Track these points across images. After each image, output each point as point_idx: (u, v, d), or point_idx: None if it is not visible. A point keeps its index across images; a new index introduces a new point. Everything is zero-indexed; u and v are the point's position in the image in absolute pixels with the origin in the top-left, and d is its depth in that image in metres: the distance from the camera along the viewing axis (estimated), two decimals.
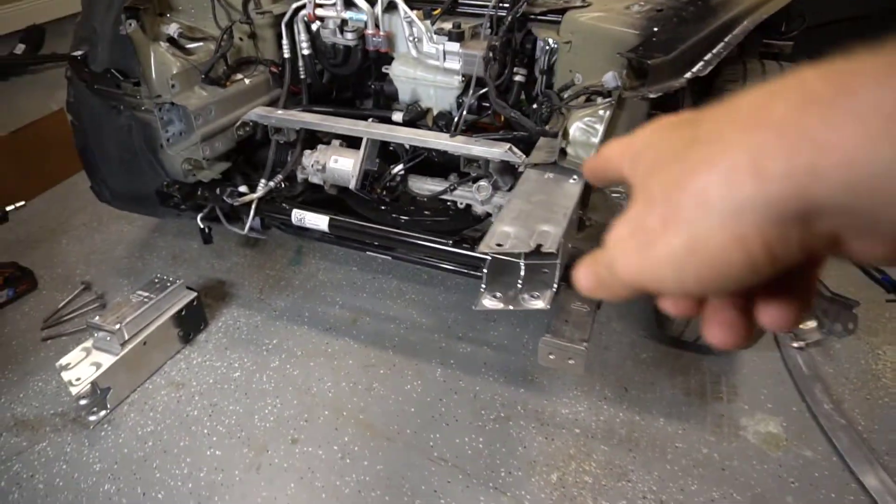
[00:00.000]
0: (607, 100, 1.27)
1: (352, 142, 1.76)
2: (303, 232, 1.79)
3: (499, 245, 1.09)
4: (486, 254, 1.08)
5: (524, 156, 1.50)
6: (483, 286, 1.15)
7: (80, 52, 1.76)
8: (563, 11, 1.48)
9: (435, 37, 1.59)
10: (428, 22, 1.61)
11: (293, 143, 1.81)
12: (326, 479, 1.44)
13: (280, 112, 1.71)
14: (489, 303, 1.14)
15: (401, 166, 1.73)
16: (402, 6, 1.61)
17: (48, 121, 2.53)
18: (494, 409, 1.62)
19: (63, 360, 1.55)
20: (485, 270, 1.14)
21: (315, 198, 1.87)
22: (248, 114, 1.72)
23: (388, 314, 1.91)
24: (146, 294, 1.68)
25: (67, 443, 1.52)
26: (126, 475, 1.44)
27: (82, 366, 1.55)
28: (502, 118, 1.68)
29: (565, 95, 1.42)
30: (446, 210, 1.81)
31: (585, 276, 0.37)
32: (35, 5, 3.96)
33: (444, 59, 1.60)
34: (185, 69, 1.63)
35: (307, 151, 1.79)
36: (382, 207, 1.81)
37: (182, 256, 2.17)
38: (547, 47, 1.57)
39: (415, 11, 1.61)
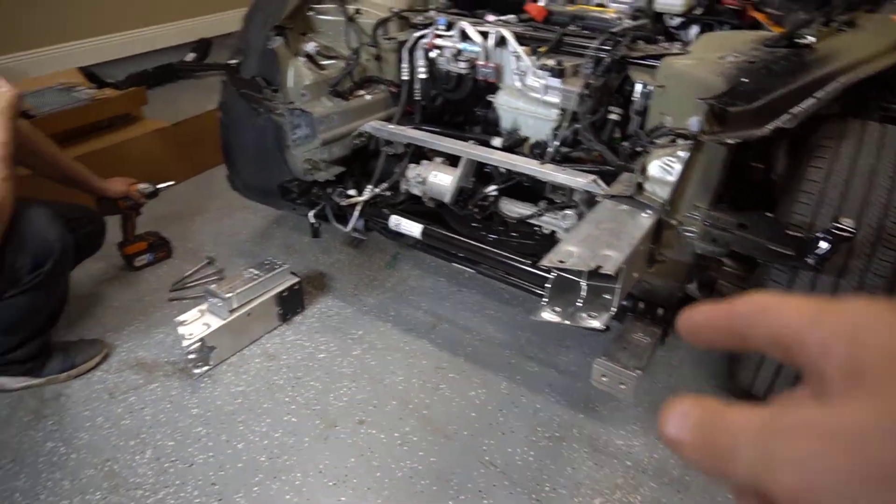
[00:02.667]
0: (688, 142, 1.33)
1: (454, 161, 1.92)
2: (399, 237, 1.96)
3: (560, 261, 1.18)
4: (547, 267, 1.17)
5: (607, 188, 1.58)
6: (544, 299, 1.24)
7: (235, 61, 2.06)
8: (660, 57, 1.56)
9: (539, 72, 1.72)
10: (534, 58, 1.74)
11: (401, 156, 2.00)
12: (383, 460, 1.57)
13: (392, 127, 1.91)
14: (547, 315, 1.23)
15: (494, 187, 1.86)
16: (511, 42, 1.75)
17: (203, 118, 2.91)
18: (550, 428, 1.68)
19: (181, 317, 1.81)
20: (548, 284, 1.24)
21: (414, 208, 2.04)
22: (365, 125, 1.93)
23: (466, 325, 2.02)
24: (256, 272, 1.91)
25: (174, 387, 1.76)
26: (215, 423, 1.65)
27: (196, 324, 1.79)
28: (595, 153, 1.77)
29: (653, 135, 1.49)
30: (532, 234, 1.91)
31: (682, 426, 0.26)
32: (205, 21, 4.54)
33: (546, 92, 1.72)
34: (317, 81, 1.87)
35: (412, 165, 1.97)
36: (473, 224, 1.95)
37: (293, 247, 2.42)
38: (643, 89, 1.65)
39: (522, 47, 1.75)
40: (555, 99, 1.71)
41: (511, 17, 1.91)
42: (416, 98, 2.00)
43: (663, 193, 1.35)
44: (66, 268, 1.64)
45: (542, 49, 1.73)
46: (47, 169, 1.93)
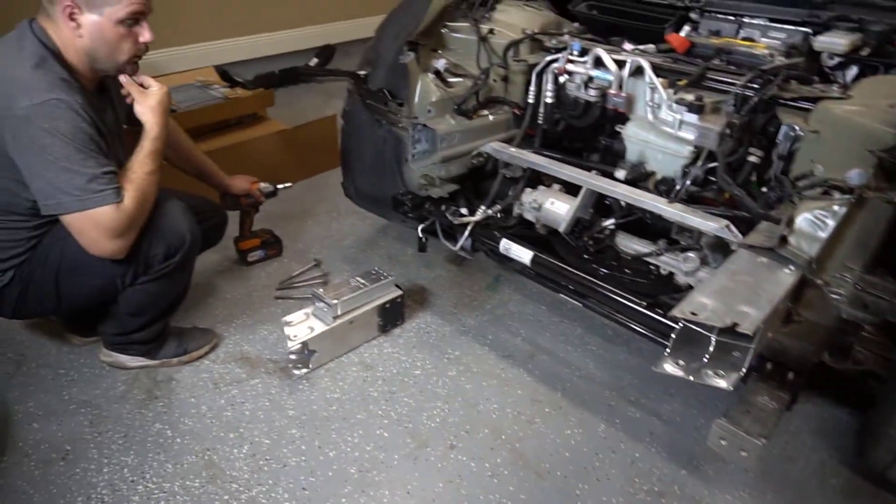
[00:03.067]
0: (846, 196, 1.22)
1: (571, 190, 1.86)
2: (506, 261, 1.92)
3: (693, 314, 1.10)
4: (679, 319, 1.10)
5: (741, 236, 1.47)
6: (668, 350, 1.16)
7: (363, 72, 2.10)
8: (816, 100, 1.44)
9: (675, 105, 1.64)
10: (671, 91, 1.66)
11: (517, 179, 1.96)
12: (472, 490, 1.53)
13: (513, 150, 1.88)
14: (670, 368, 1.15)
15: (612, 221, 1.79)
16: (648, 72, 1.68)
17: (322, 123, 3.01)
18: (649, 482, 1.58)
19: (287, 318, 1.85)
20: (673, 335, 1.16)
21: (524, 233, 2.00)
22: (486, 146, 1.91)
23: (566, 359, 1.95)
24: (362, 281, 1.93)
25: (274, 385, 1.81)
26: (310, 427, 1.67)
27: (300, 326, 1.83)
28: (726, 195, 1.66)
29: (801, 184, 1.37)
30: (647, 272, 1.82)
31: None
32: (330, 28, 4.71)
33: (680, 128, 1.63)
34: (443, 98, 1.87)
35: (528, 189, 1.93)
36: (585, 256, 1.88)
37: (397, 258, 2.43)
38: (791, 133, 1.53)
39: (660, 79, 1.67)
40: (689, 135, 1.62)
41: (650, 46, 1.84)
42: (539, 122, 1.96)
43: (810, 249, 1.24)
44: (193, 258, 1.71)
45: (682, 82, 1.65)
46: (182, 162, 2.04)
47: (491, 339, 2.02)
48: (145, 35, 1.47)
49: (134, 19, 1.43)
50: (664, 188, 1.72)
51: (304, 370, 1.84)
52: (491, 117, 1.98)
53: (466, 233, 1.92)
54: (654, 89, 1.69)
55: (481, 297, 2.22)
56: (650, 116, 1.71)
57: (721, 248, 1.64)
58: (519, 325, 2.09)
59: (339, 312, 1.84)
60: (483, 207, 1.93)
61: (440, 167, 1.93)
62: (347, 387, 1.81)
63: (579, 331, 2.07)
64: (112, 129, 1.59)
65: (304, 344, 1.80)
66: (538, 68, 1.89)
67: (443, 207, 1.97)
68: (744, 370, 1.12)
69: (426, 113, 1.87)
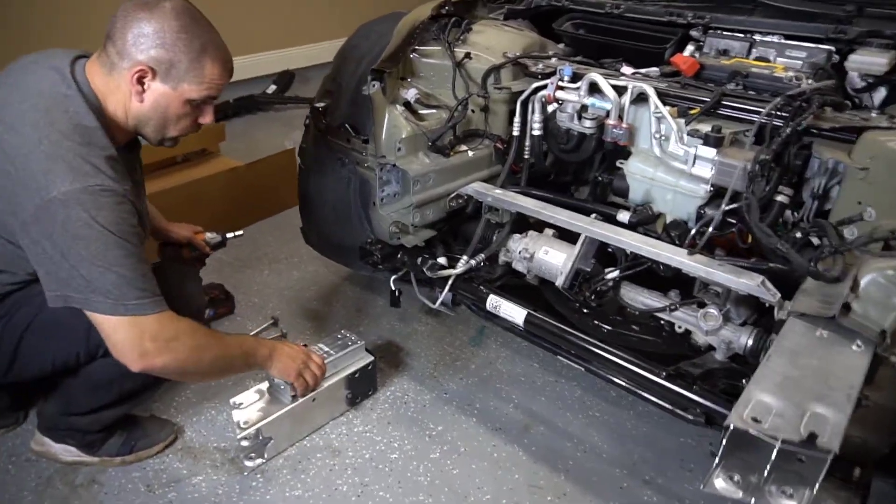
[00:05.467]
0: None
1: (566, 234, 1.61)
2: (494, 318, 1.66)
3: (756, 420, 0.84)
4: (740, 430, 0.84)
5: (778, 294, 1.23)
6: (717, 461, 0.90)
7: (322, 104, 1.83)
8: (860, 130, 1.22)
9: (686, 138, 1.40)
10: (681, 121, 1.42)
11: (503, 223, 1.70)
12: None
13: (498, 191, 1.62)
14: (723, 486, 0.88)
15: (616, 272, 1.53)
16: (653, 99, 1.44)
17: (279, 157, 2.72)
18: None
19: (237, 398, 1.54)
20: (723, 441, 0.90)
21: (513, 283, 1.74)
22: (466, 188, 1.65)
23: (566, 429, 1.68)
24: (327, 349, 1.64)
25: (220, 484, 1.49)
26: None
27: (252, 409, 1.53)
28: (749, 239, 1.42)
29: (854, 233, 1.14)
30: (658, 329, 1.57)
31: None
32: (289, 53, 4.44)
33: (693, 163, 1.40)
34: (415, 134, 1.61)
35: (516, 235, 1.67)
36: (585, 311, 1.63)
37: (366, 310, 2.14)
38: (826, 168, 1.31)
39: (668, 108, 1.44)
40: (705, 172, 1.38)
41: (653, 70, 1.60)
42: (525, 157, 1.71)
43: (881, 319, 1.00)
44: None
45: (694, 111, 1.41)
46: None
47: (479, 407, 1.74)
48: (207, 118, 1.34)
49: (203, 101, 1.29)
50: (676, 233, 1.48)
51: (259, 461, 1.54)
52: (470, 153, 1.72)
53: (446, 288, 1.65)
54: (661, 119, 1.45)
55: (464, 355, 1.94)
56: (657, 150, 1.47)
57: (746, 301, 1.41)
58: (510, 389, 1.82)
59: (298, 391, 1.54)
60: (465, 258, 1.66)
61: (414, 212, 1.66)
62: (311, 481, 1.51)
63: (578, 392, 1.80)
64: (139, 190, 1.41)
65: (258, 431, 1.50)
66: (523, 96, 1.64)
67: (418, 260, 1.69)
68: (816, 486, 0.87)
69: (395, 151, 1.60)
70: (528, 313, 1.52)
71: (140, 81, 1.22)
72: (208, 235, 1.95)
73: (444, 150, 1.67)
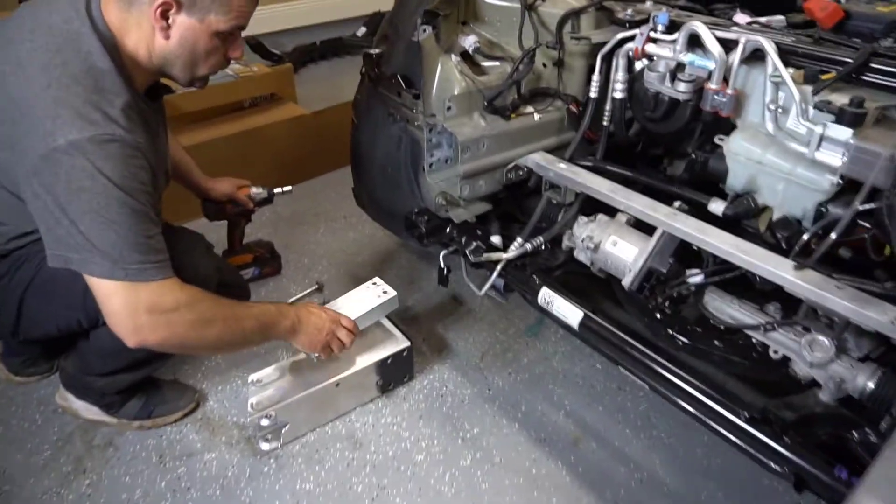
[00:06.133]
0: None
1: (643, 222, 1.32)
2: (547, 314, 1.42)
3: None
4: None
5: None
6: None
7: (376, 51, 1.61)
8: None
9: (813, 112, 1.07)
10: (808, 88, 1.08)
11: (569, 204, 1.43)
12: None
13: (563, 165, 1.35)
14: None
15: (700, 276, 1.24)
16: (772, 58, 1.11)
17: (346, 107, 2.53)
18: None
19: (255, 375, 1.42)
20: None
21: (576, 271, 1.48)
22: (526, 158, 1.39)
23: (623, 450, 1.44)
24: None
25: (232, 465, 1.39)
26: None
27: (271, 388, 1.40)
28: (887, 251, 1.08)
29: None
30: (748, 348, 1.27)
31: None
32: None
33: (819, 145, 1.06)
34: (469, 91, 1.37)
35: (583, 218, 1.40)
36: (658, 317, 1.35)
37: (418, 283, 1.96)
38: None
39: (791, 69, 1.10)
40: (833, 159, 1.05)
41: (777, 18, 1.25)
42: (605, 123, 1.42)
43: None
44: None
45: (827, 76, 1.07)
46: None
47: (524, 411, 1.53)
48: (237, 51, 1.21)
49: (231, 32, 1.16)
50: (784, 234, 1.16)
51: (274, 444, 1.42)
52: (537, 116, 1.45)
53: (495, 274, 1.42)
54: (779, 84, 1.12)
55: (517, 347, 1.72)
56: (770, 126, 1.14)
57: (869, 332, 1.08)
58: (563, 392, 1.58)
59: (321, 372, 1.39)
60: (518, 240, 1.42)
61: (462, 184, 1.43)
62: (326, 474, 1.37)
63: (643, 406, 1.54)
64: (161, 152, 1.27)
65: (272, 414, 1.37)
66: (605, 49, 1.34)
67: (464, 239, 1.47)
68: None
69: (445, 110, 1.37)
70: (585, 315, 1.27)
71: (164, 16, 1.08)
72: (254, 190, 1.83)
73: (504, 112, 1.41)
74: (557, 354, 1.69)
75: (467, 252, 1.41)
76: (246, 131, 2.30)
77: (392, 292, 1.52)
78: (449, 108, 1.36)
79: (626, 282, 1.25)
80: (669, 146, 1.58)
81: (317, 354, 1.37)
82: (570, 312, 1.29)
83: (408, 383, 1.59)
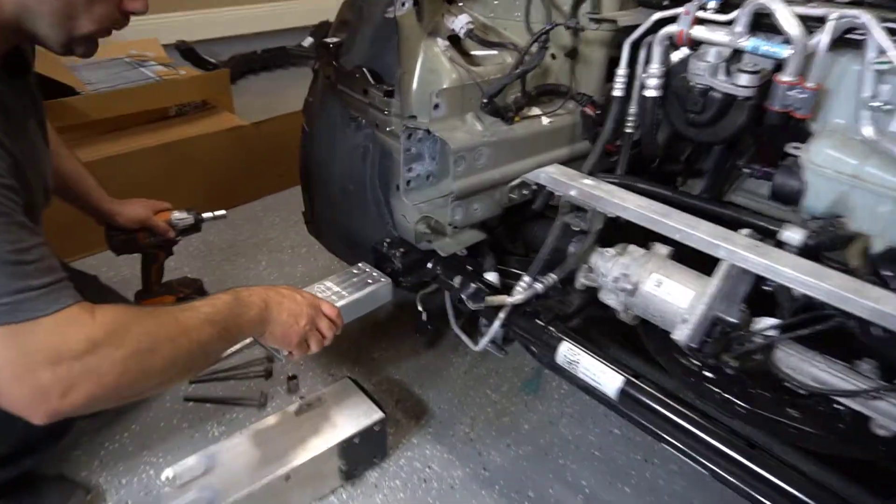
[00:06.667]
0: None
1: (682, 254, 1.02)
2: (564, 373, 1.09)
3: None
4: None
5: None
6: None
7: (333, 39, 1.27)
8: None
9: None
10: None
11: (586, 231, 1.12)
12: None
13: (589, 181, 1.03)
14: None
15: (773, 325, 0.94)
16: (876, 37, 0.83)
17: (294, 118, 2.17)
18: None
19: (171, 471, 1.03)
20: None
21: (594, 316, 1.17)
22: (537, 173, 1.07)
23: None
24: (337, 289, 1.15)
25: None
26: None
27: (193, 490, 1.01)
28: None
29: None
30: (834, 416, 0.97)
31: None
32: (328, 3, 3.88)
33: None
34: (462, 85, 1.04)
35: (606, 251, 1.08)
36: (708, 375, 1.04)
37: (387, 330, 1.60)
38: None
39: None
40: None
41: None
42: (628, 130, 1.12)
43: None
44: None
45: None
46: None
47: (533, 497, 1.19)
48: (137, 2, 0.84)
49: None
50: (891, 271, 0.87)
51: None
52: (545, 120, 1.14)
53: (496, 324, 1.08)
54: (883, 74, 0.84)
55: (514, 409, 1.38)
56: (867, 129, 0.87)
57: None
58: (578, 469, 1.25)
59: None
60: (526, 280, 1.09)
61: (454, 207, 1.09)
62: None
63: (680, 485, 1.23)
64: (35, 152, 0.92)
65: None
66: (636, 35, 1.05)
67: (457, 281, 1.12)
68: None
69: (431, 109, 1.04)
70: (627, 381, 0.95)
71: None
72: (175, 215, 1.45)
73: (505, 113, 1.09)
74: (564, 417, 1.37)
75: (465, 297, 1.07)
76: (169, 143, 1.91)
77: (385, 279, 1.17)
78: (436, 107, 1.03)
79: (683, 335, 0.93)
80: (693, 159, 1.31)
81: (286, 353, 1.02)
82: (606, 377, 0.97)
83: (379, 464, 1.22)
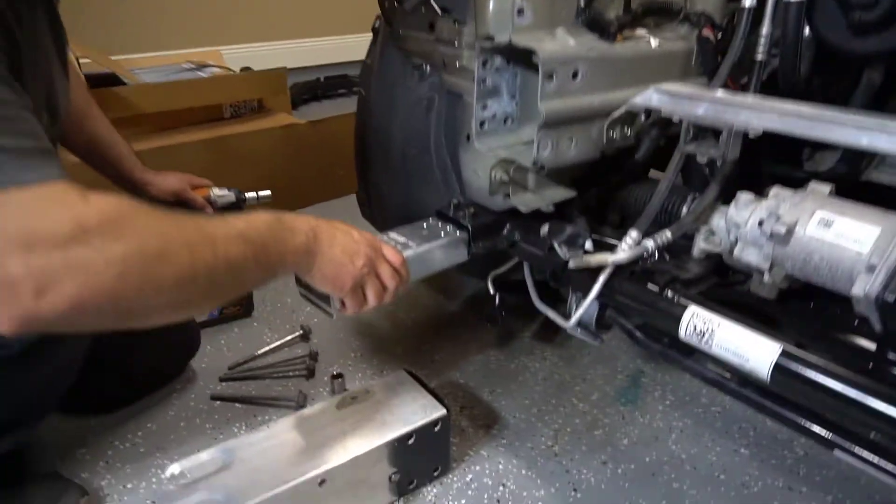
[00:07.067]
0: None
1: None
2: (683, 357, 0.83)
3: None
4: None
5: None
6: None
7: None
8: None
9: None
10: None
11: (715, 169, 0.88)
12: None
13: (722, 93, 0.80)
14: None
15: None
16: None
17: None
18: None
19: (176, 467, 0.81)
20: None
21: (716, 295, 0.90)
22: (648, 93, 0.84)
23: None
24: (403, 240, 0.92)
25: None
26: None
27: (201, 490, 0.79)
28: None
29: None
30: None
31: None
32: None
33: None
34: None
35: (745, 196, 0.83)
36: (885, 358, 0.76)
37: (448, 332, 1.36)
38: None
39: None
40: None
41: None
42: (758, 58, 0.88)
43: None
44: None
45: None
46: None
47: None
48: None
49: None
50: None
51: None
52: (654, 42, 0.92)
53: (595, 290, 0.84)
54: None
55: (609, 420, 1.11)
56: None
57: None
58: (698, 495, 0.96)
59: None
60: (633, 235, 0.84)
61: (543, 137, 0.87)
62: None
63: None
64: (45, 52, 0.79)
65: None
66: None
67: (546, 229, 0.90)
68: None
69: (513, 17, 0.84)
70: (785, 350, 0.68)
71: None
72: (215, 192, 1.29)
73: (606, 29, 0.88)
74: (673, 433, 1.08)
75: (557, 245, 0.83)
76: (219, 137, 1.78)
77: (462, 231, 0.95)
78: (520, 12, 0.83)
79: (868, 288, 0.66)
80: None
81: (338, 305, 0.81)
82: (756, 349, 0.70)
83: (440, 478, 0.97)
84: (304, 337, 1.31)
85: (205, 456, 0.83)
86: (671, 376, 1.21)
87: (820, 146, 1.05)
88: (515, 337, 1.32)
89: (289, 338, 1.30)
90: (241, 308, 1.38)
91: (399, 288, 0.82)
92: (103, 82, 1.69)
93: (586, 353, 1.28)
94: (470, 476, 0.98)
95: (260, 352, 1.26)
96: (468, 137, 0.99)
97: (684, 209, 0.93)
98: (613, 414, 1.12)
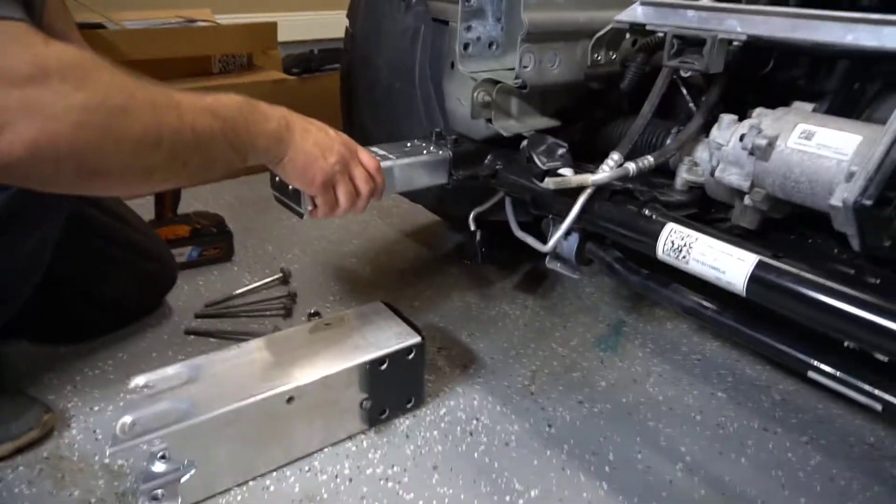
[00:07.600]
0: None
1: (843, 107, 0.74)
2: (658, 287, 0.82)
3: None
4: None
5: None
6: None
7: None
8: None
9: None
10: None
11: (702, 88, 0.86)
12: None
13: (706, 1, 0.78)
14: None
15: None
16: None
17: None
18: None
19: (140, 379, 0.79)
20: None
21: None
22: (633, 8, 0.82)
23: None
24: (383, 152, 0.91)
25: None
26: None
27: (165, 400, 0.77)
28: None
29: None
30: None
31: None
32: None
33: None
34: None
35: (728, 117, 0.81)
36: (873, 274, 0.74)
37: (430, 276, 1.35)
38: None
39: None
40: None
41: None
42: None
43: None
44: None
45: None
46: None
47: (613, 460, 0.89)
48: None
49: None
50: None
51: None
52: None
53: (571, 215, 0.82)
54: None
55: (587, 363, 1.09)
56: None
57: None
58: (674, 433, 0.95)
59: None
60: (615, 157, 0.82)
61: (525, 52, 0.85)
62: None
63: (816, 459, 0.90)
64: None
65: (164, 455, 0.74)
66: None
67: (522, 144, 0.88)
68: None
69: None
70: (762, 261, 0.66)
71: None
72: None
73: None
74: (652, 377, 1.07)
75: (535, 155, 0.81)
76: (208, 89, 1.75)
77: (445, 151, 0.93)
78: None
79: (848, 193, 0.65)
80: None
81: (309, 207, 0.79)
82: (732, 261, 0.68)
83: (414, 411, 0.95)
84: (284, 280, 1.29)
85: (171, 370, 0.82)
86: (652, 326, 1.20)
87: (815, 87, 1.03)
88: (497, 286, 1.31)
89: (268, 280, 1.28)
90: (221, 251, 1.36)
91: (373, 195, 0.80)
92: (90, 29, 1.66)
93: (568, 302, 1.27)
94: (444, 410, 0.97)
95: (238, 291, 1.24)
96: (452, 65, 0.98)
97: (668, 141, 0.91)
98: (592, 359, 1.11)
